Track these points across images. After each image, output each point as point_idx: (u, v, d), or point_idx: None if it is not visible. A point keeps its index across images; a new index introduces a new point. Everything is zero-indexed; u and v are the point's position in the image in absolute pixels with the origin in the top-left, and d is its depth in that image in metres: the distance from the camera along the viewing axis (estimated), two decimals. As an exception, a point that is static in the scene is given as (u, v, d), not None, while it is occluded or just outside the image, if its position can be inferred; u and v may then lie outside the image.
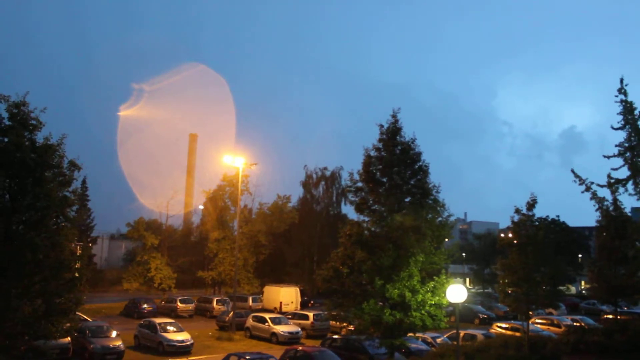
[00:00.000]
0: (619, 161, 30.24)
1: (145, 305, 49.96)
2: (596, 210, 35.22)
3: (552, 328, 41.23)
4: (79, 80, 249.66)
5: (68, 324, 20.22)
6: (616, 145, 30.27)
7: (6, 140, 18.65)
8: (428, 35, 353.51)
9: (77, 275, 20.02)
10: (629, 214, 37.77)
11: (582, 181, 32.17)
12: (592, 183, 31.36)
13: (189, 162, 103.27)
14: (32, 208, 18.50)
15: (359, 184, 26.55)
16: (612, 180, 30.61)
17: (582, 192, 32.30)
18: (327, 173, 70.54)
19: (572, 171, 32.71)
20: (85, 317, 35.33)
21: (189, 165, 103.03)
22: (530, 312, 41.36)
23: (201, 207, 71.62)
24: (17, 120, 18.93)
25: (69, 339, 29.80)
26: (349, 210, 72.73)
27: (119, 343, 32.25)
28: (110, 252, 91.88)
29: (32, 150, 18.80)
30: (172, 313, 48.97)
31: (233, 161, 46.07)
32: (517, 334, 37.22)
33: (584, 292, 72.24)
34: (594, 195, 32.50)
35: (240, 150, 48.50)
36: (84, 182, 61.51)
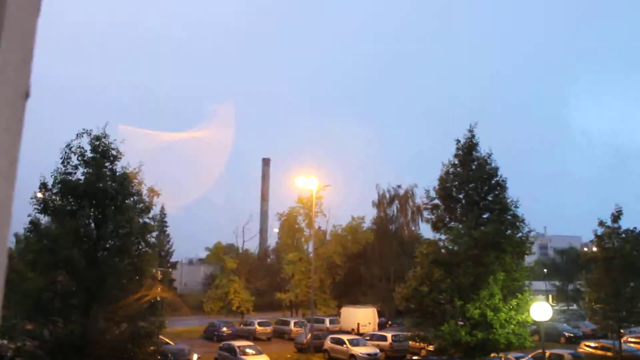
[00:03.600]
0: None
1: (224, 329, 50.66)
2: None
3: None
4: (151, 101, 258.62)
5: (152, 347, 20.73)
6: None
7: (89, 171, 19.51)
8: (493, 43, 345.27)
9: (158, 299, 20.55)
10: None
11: None
12: None
13: (263, 186, 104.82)
14: (115, 235, 19.19)
15: (435, 201, 26.11)
16: None
17: None
18: (401, 191, 69.77)
19: None
20: (167, 340, 36.16)
21: (262, 189, 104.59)
22: (622, 330, 39.19)
23: (276, 230, 72.41)
24: (98, 152, 19.77)
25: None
26: (425, 228, 71.70)
27: (200, 366, 32.83)
28: (189, 276, 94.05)
29: (112, 180, 19.55)
30: (250, 336, 49.33)
31: (306, 183, 46.44)
32: (609, 353, 35.26)
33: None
34: None
35: (312, 172, 48.75)
36: (162, 208, 63.56)
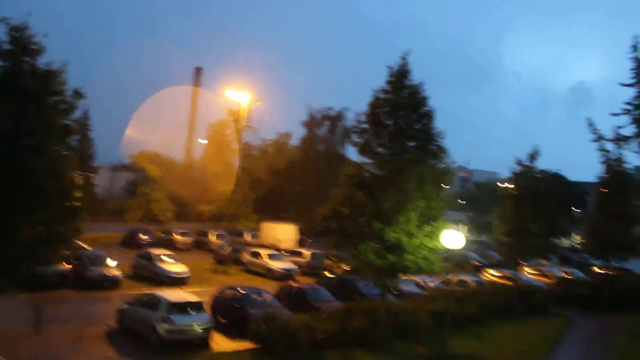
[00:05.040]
0: (626, 119, 30.24)
1: (143, 237, 50.48)
2: (602, 162, 35.55)
3: (543, 279, 41.77)
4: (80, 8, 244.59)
5: (67, 252, 20.48)
6: (625, 103, 30.23)
7: (7, 64, 18.39)
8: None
9: (77, 204, 20.09)
10: (632, 172, 38.14)
11: (595, 131, 32.47)
12: (602, 139, 31.59)
13: (193, 96, 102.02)
14: (33, 135, 18.37)
15: (364, 126, 26.28)
16: (619, 137, 30.77)
17: (593, 141, 32.70)
18: (331, 113, 69.95)
19: (588, 121, 33.02)
20: (84, 245, 35.76)
21: (192, 99, 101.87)
22: (522, 262, 41.97)
23: (203, 141, 71.42)
24: (17, 45, 18.57)
25: (68, 265, 30.35)
26: (352, 153, 72.42)
27: (116, 272, 32.85)
28: (111, 182, 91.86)
29: (33, 76, 18.51)
30: (170, 245, 49.46)
31: (237, 96, 45.75)
32: (509, 282, 37.78)
33: (577, 245, 72.96)
34: (602, 148, 32.71)
35: (244, 86, 47.90)
36: (86, 111, 60.88)
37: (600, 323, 32.62)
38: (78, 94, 19.80)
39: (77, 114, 20.64)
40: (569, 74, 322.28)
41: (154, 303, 22.60)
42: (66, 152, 20.07)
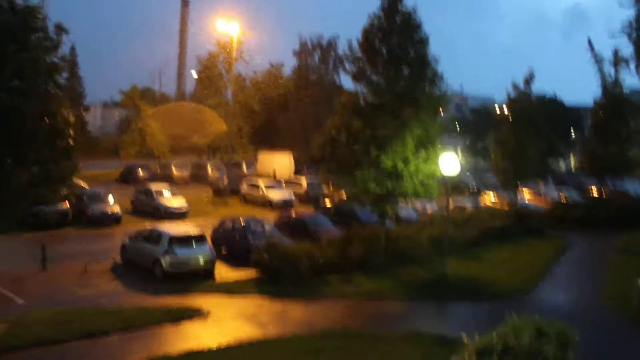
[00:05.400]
0: (625, 41, 29.90)
1: (141, 172, 50.48)
2: (600, 85, 35.32)
3: (539, 201, 42.08)
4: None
5: (65, 190, 20.42)
6: (624, 25, 29.83)
7: None
8: None
9: (71, 142, 19.83)
10: (628, 95, 38.14)
11: (594, 52, 32.23)
12: (600, 61, 31.29)
13: (181, 29, 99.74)
14: (20, 75, 17.78)
15: (357, 53, 25.87)
16: (617, 59, 30.58)
17: (592, 61, 32.48)
18: (323, 41, 68.59)
19: (589, 41, 32.69)
20: (82, 183, 35.80)
21: (181, 32, 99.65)
22: (519, 186, 42.32)
23: (194, 73, 70.24)
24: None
25: (68, 204, 30.49)
26: (345, 81, 71.41)
27: (116, 208, 33.08)
28: (104, 120, 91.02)
29: (11, 13, 17.73)
30: (168, 179, 49.47)
31: (226, 26, 44.77)
32: (506, 205, 38.10)
33: (573, 169, 73.20)
34: (600, 70, 32.48)
35: (233, 16, 46.74)
36: (72, 48, 59.62)
37: (595, 242, 33.21)
38: (62, 30, 19.08)
39: (64, 51, 20.01)
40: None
41: (156, 237, 22.90)
42: (55, 91, 19.59)
